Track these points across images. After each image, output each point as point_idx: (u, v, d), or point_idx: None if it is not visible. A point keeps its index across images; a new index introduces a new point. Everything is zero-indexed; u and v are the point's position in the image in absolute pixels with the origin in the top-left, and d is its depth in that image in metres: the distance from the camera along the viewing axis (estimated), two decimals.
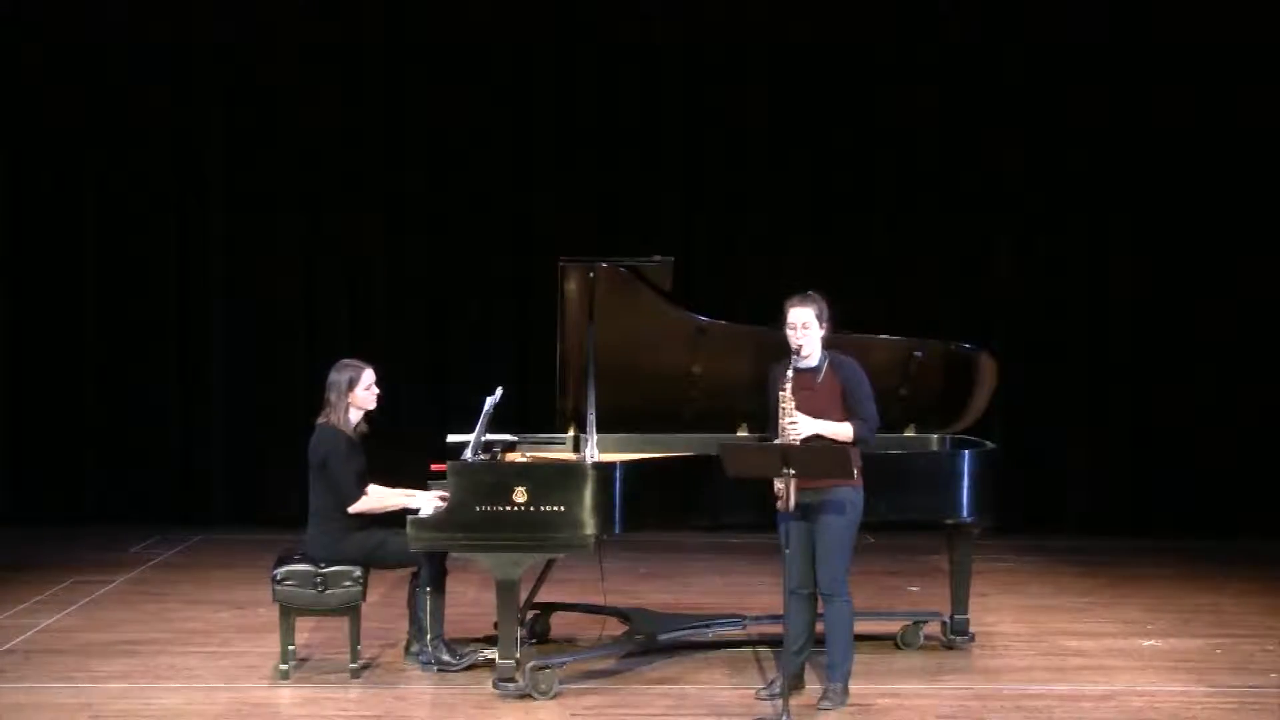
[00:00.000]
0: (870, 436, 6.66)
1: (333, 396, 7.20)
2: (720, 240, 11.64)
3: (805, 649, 6.82)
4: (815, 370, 6.67)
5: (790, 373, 6.57)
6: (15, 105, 11.63)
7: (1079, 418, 11.70)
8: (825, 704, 6.67)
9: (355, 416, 7.26)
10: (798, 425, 6.53)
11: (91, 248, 11.71)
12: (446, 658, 7.22)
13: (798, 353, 6.60)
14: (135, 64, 11.58)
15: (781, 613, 6.79)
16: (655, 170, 11.65)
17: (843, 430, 6.61)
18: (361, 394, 7.24)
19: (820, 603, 6.76)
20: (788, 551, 6.60)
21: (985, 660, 7.63)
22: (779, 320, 6.69)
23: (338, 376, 7.24)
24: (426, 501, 7.03)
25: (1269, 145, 11.48)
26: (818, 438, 6.56)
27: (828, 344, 6.72)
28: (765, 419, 6.81)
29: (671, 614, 8.08)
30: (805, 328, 6.61)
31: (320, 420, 7.23)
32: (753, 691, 6.92)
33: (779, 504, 6.54)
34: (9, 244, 11.72)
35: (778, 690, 6.62)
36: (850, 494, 6.63)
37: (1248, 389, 11.56)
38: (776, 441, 6.54)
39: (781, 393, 6.56)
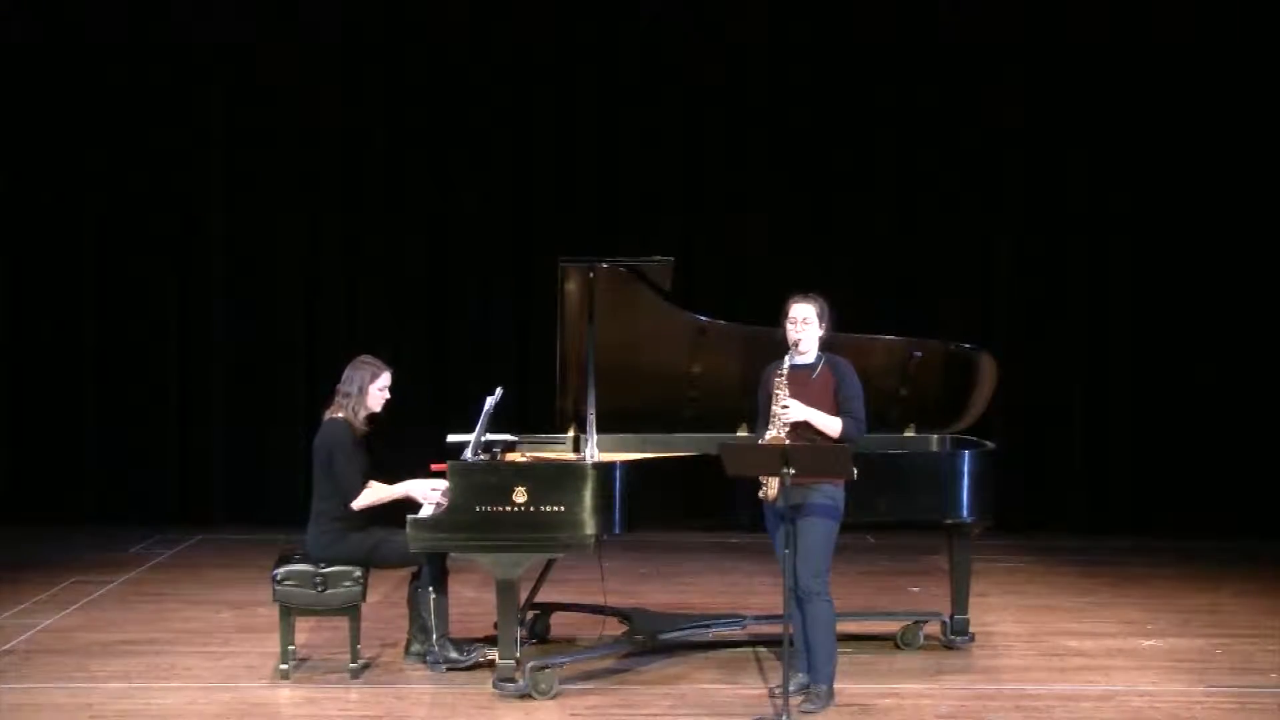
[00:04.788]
0: (857, 436, 6.68)
1: (348, 390, 7.19)
2: (720, 240, 11.64)
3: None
4: (811, 368, 6.71)
5: (786, 369, 6.60)
6: (14, 106, 11.62)
7: (1079, 418, 11.70)
8: (809, 706, 6.66)
9: (363, 415, 7.25)
10: (789, 410, 6.55)
11: (91, 247, 11.71)
12: (454, 655, 7.22)
13: (795, 346, 6.65)
14: (136, 64, 11.58)
15: (781, 613, 6.79)
16: (655, 170, 11.65)
17: (832, 424, 6.62)
18: (374, 394, 7.22)
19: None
20: (786, 552, 6.59)
21: (985, 660, 7.62)
22: (780, 319, 6.71)
23: (354, 373, 7.22)
24: (420, 489, 7.05)
25: (1271, 145, 11.49)
26: (807, 425, 6.58)
27: (825, 345, 6.75)
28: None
29: (671, 614, 8.08)
30: (806, 323, 6.67)
31: (327, 415, 7.23)
32: (752, 691, 6.92)
33: (761, 492, 6.56)
34: (9, 244, 11.72)
35: (794, 687, 6.64)
36: (834, 492, 6.65)
37: (1248, 389, 11.56)
38: (769, 433, 6.56)
39: (777, 378, 6.59)
